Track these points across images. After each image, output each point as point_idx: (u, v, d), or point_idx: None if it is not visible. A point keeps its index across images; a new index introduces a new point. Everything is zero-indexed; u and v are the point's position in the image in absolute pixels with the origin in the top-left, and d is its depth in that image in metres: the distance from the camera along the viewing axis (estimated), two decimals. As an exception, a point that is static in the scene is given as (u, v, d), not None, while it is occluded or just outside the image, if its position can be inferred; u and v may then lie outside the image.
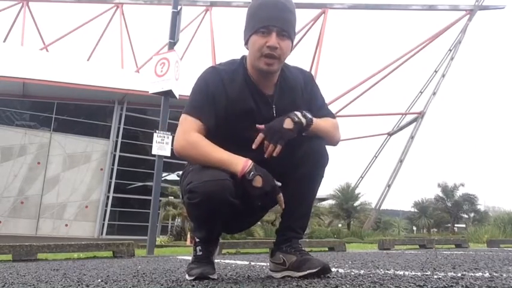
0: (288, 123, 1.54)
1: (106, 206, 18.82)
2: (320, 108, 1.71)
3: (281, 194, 1.53)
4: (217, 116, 1.58)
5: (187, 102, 1.64)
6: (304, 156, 1.59)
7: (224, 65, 1.69)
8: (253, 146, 1.53)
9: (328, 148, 1.68)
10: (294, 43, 1.72)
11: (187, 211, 1.63)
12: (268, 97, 1.64)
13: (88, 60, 25.53)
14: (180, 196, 1.77)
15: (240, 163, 1.48)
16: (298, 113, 1.57)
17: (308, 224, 1.78)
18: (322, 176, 1.67)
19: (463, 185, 36.52)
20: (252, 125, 1.58)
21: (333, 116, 1.74)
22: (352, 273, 1.79)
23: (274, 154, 1.52)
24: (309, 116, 1.58)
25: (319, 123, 1.62)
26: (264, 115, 1.61)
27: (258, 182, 1.46)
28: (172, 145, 6.51)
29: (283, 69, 1.68)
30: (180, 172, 1.63)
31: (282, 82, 1.68)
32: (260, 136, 1.54)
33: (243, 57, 1.69)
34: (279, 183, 1.52)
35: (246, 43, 1.63)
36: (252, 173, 1.46)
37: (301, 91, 1.70)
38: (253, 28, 1.58)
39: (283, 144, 1.52)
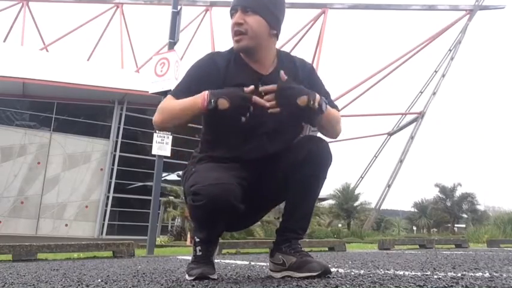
0: (302, 101, 1.46)
1: (106, 206, 18.81)
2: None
3: (256, 98, 1.45)
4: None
5: (176, 86, 1.67)
6: (307, 157, 1.58)
7: (219, 52, 1.72)
8: (254, 89, 1.47)
9: (330, 147, 1.67)
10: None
11: (190, 212, 1.63)
12: (261, 76, 1.62)
13: (88, 60, 25.52)
14: (183, 197, 1.77)
15: (199, 99, 1.46)
16: (318, 98, 1.48)
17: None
18: (325, 177, 1.66)
19: (460, 184, 36.56)
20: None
21: (337, 108, 1.70)
22: (352, 273, 1.79)
23: (270, 111, 1.46)
24: (324, 106, 1.51)
25: (327, 114, 1.56)
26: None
27: (223, 104, 1.43)
28: (172, 145, 6.51)
29: (282, 54, 1.70)
30: (181, 172, 1.63)
31: (280, 64, 1.67)
32: (272, 87, 1.47)
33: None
34: (248, 88, 1.46)
35: None
36: (213, 100, 1.43)
37: (301, 78, 1.67)
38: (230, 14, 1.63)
39: (283, 113, 1.48)
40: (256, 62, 1.64)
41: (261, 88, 1.47)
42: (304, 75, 1.69)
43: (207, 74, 1.60)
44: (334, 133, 1.66)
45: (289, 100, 1.46)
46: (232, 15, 1.61)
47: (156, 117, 1.57)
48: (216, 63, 1.63)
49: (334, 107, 1.68)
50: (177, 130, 1.58)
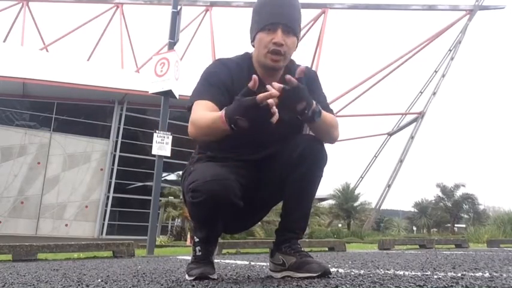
0: (301, 106, 1.43)
1: (106, 206, 18.81)
2: (322, 106, 1.69)
3: (260, 95, 1.33)
4: (228, 97, 1.54)
5: (193, 93, 1.63)
6: (303, 156, 1.58)
7: (229, 59, 1.70)
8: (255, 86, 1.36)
9: (328, 147, 1.67)
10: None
11: (189, 210, 1.63)
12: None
13: (88, 60, 25.52)
14: (181, 196, 1.77)
15: (220, 122, 1.38)
16: (314, 107, 1.46)
17: (308, 224, 1.78)
18: (321, 176, 1.66)
19: (464, 185, 36.50)
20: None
21: (332, 112, 1.72)
22: (352, 273, 1.79)
23: (275, 118, 1.34)
24: (317, 116, 1.49)
25: (322, 121, 1.55)
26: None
27: (242, 124, 1.35)
28: (172, 145, 6.51)
29: (288, 66, 1.69)
30: (181, 172, 1.63)
31: (287, 72, 1.65)
32: (278, 86, 1.36)
33: (247, 54, 1.71)
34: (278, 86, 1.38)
35: (253, 41, 1.64)
36: (232, 125, 1.36)
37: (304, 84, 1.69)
38: (259, 25, 1.59)
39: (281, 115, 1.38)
40: (270, 77, 1.64)
41: (268, 86, 1.39)
42: (307, 83, 1.67)
43: (221, 80, 1.60)
44: (330, 139, 1.65)
45: (290, 103, 1.43)
46: (269, 29, 1.56)
47: (190, 130, 1.54)
48: (230, 71, 1.63)
49: (330, 112, 1.67)
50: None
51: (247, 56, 1.70)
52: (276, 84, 1.38)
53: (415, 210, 39.40)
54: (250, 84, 1.37)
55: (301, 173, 1.59)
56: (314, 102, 1.47)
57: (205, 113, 1.49)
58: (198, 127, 1.50)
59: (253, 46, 1.65)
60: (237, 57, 1.72)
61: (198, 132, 1.51)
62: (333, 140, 1.67)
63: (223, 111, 1.39)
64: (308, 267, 1.54)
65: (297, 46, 1.65)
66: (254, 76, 1.37)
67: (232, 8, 24.11)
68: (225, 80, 1.61)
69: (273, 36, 1.55)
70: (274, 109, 1.32)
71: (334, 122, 1.65)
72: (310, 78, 1.71)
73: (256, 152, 1.64)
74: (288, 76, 1.40)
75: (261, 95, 1.31)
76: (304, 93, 1.44)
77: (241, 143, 1.62)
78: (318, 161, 1.62)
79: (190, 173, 1.61)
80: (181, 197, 1.76)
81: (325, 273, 1.53)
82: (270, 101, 1.31)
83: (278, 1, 1.58)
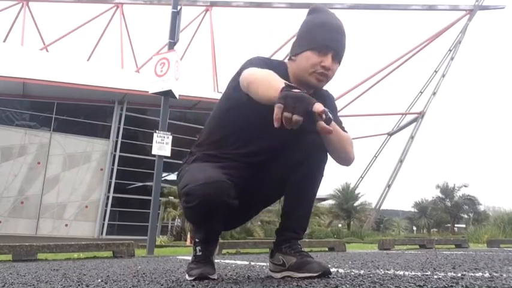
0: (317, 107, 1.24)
1: (106, 206, 18.81)
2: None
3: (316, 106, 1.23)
4: None
5: (245, 66, 1.57)
6: (304, 156, 1.58)
7: (271, 60, 1.70)
8: (276, 124, 1.22)
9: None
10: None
11: (185, 214, 1.63)
12: None
13: (88, 60, 25.53)
14: (178, 196, 1.77)
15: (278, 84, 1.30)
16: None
17: (308, 224, 1.78)
18: (322, 175, 1.66)
19: (466, 185, 36.47)
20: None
21: (347, 133, 1.69)
22: (352, 273, 1.79)
23: (293, 125, 1.21)
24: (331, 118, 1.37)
25: (338, 135, 1.54)
26: None
27: (295, 92, 1.24)
28: (172, 145, 6.51)
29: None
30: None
31: (314, 95, 1.66)
32: (278, 107, 1.21)
33: (284, 63, 1.69)
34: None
35: (295, 55, 1.62)
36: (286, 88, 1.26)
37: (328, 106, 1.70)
38: (312, 44, 1.57)
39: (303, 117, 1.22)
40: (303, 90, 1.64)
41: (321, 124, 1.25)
42: (329, 104, 1.68)
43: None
44: (346, 157, 1.61)
45: (301, 100, 1.26)
46: (321, 51, 1.55)
47: (245, 84, 1.48)
48: (270, 67, 1.57)
49: (347, 132, 1.67)
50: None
51: (283, 65, 1.69)
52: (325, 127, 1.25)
53: (415, 210, 39.42)
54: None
55: (302, 173, 1.59)
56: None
57: (268, 72, 1.43)
58: (255, 78, 1.43)
59: (291, 59, 1.63)
60: (276, 60, 1.71)
61: (251, 84, 1.44)
62: (349, 159, 1.62)
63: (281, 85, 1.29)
64: (308, 267, 1.54)
65: None
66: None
67: (232, 8, 24.12)
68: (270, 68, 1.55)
69: (323, 59, 1.56)
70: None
71: (349, 140, 1.62)
72: (330, 101, 1.75)
73: (257, 153, 1.64)
74: (327, 128, 1.24)
75: (320, 110, 1.21)
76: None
77: (245, 143, 1.62)
78: (319, 160, 1.62)
79: (184, 174, 1.62)
80: (179, 198, 1.76)
81: (325, 273, 1.53)
82: (320, 110, 1.22)
83: (335, 27, 1.60)
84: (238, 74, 1.58)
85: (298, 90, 1.25)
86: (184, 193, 1.49)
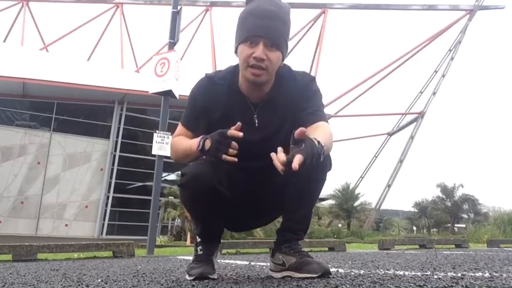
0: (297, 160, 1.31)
1: (106, 206, 18.82)
2: (314, 112, 1.58)
3: (231, 131, 1.42)
4: (209, 123, 1.62)
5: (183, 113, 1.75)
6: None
7: (218, 73, 1.68)
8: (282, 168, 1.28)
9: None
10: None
11: (180, 197, 1.71)
12: (253, 106, 1.62)
13: (88, 60, 25.52)
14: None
15: (195, 142, 1.51)
16: (317, 145, 1.32)
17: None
18: (324, 180, 1.64)
19: (462, 185, 36.56)
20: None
21: (326, 120, 1.60)
22: (352, 273, 1.79)
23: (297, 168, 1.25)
24: (321, 147, 1.35)
25: (327, 147, 1.43)
26: (250, 124, 1.58)
27: (207, 144, 1.46)
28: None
29: (283, 74, 1.62)
30: (180, 172, 1.65)
31: (274, 92, 1.62)
32: (299, 158, 1.24)
33: (237, 66, 1.63)
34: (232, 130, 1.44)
35: (236, 51, 1.58)
36: (201, 142, 1.48)
37: (297, 99, 1.60)
38: (241, 37, 1.53)
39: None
40: (255, 90, 1.60)
41: (273, 155, 1.31)
42: (300, 94, 1.61)
43: (201, 108, 1.64)
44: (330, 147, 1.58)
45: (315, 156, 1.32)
46: (250, 42, 1.50)
47: (170, 153, 1.75)
48: (214, 91, 1.62)
49: (324, 119, 1.59)
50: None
51: (235, 70, 1.63)
52: (281, 157, 1.27)
53: (415, 210, 39.43)
54: (232, 131, 1.43)
55: (303, 176, 1.52)
56: (315, 145, 1.32)
57: (182, 140, 1.63)
58: (174, 151, 1.68)
59: (237, 56, 1.58)
60: (228, 69, 1.67)
61: (174, 156, 1.69)
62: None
63: (203, 135, 1.51)
64: (308, 268, 1.53)
65: (283, 59, 1.58)
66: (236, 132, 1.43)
67: (232, 8, 24.10)
68: (204, 105, 1.64)
69: (254, 50, 1.48)
70: (234, 159, 1.43)
71: (329, 139, 1.48)
72: (304, 88, 1.62)
73: (256, 160, 1.58)
74: (294, 165, 1.24)
75: (230, 132, 1.43)
76: (307, 162, 1.28)
77: (243, 150, 1.58)
78: (321, 165, 1.54)
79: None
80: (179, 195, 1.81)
81: (325, 274, 1.53)
82: (235, 132, 1.43)
83: (262, 12, 1.50)
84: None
85: (201, 145, 1.48)
86: (180, 174, 1.61)
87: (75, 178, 18.58)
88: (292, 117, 1.59)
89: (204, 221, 1.68)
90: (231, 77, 1.64)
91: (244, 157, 1.49)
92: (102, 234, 18.29)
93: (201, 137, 1.52)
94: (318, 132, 1.44)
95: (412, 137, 25.86)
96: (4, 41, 24.51)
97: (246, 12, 1.55)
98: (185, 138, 1.63)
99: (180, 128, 1.71)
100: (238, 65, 1.62)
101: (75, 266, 3.10)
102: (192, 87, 1.70)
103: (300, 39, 23.58)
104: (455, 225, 37.67)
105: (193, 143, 1.53)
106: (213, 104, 1.62)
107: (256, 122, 1.61)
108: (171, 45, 6.75)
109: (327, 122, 1.61)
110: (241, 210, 1.71)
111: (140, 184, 20.04)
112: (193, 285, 1.49)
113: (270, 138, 1.57)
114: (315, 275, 1.51)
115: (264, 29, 1.48)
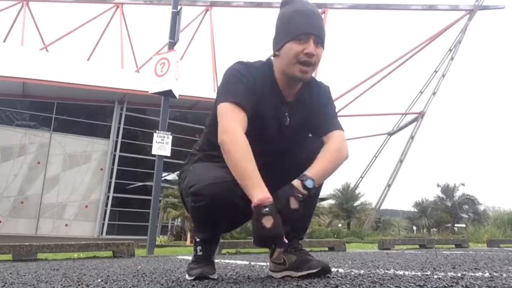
0: (293, 204, 1.46)
1: (106, 205, 18.81)
2: (329, 120, 1.67)
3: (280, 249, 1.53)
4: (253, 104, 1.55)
5: (221, 90, 1.59)
6: (308, 158, 1.57)
7: (252, 63, 1.67)
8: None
9: None
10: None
11: (190, 214, 1.61)
12: (287, 104, 1.65)
13: (88, 60, 25.52)
14: (180, 197, 1.76)
15: (260, 194, 1.39)
16: (299, 187, 1.48)
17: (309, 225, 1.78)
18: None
19: (463, 184, 36.53)
20: (266, 125, 1.61)
21: (341, 128, 1.67)
22: (352, 273, 1.79)
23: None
24: (310, 183, 1.49)
25: (321, 175, 1.54)
26: (280, 120, 1.63)
27: (268, 222, 1.37)
28: (172, 145, 6.51)
29: (309, 81, 1.67)
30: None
31: (303, 93, 1.68)
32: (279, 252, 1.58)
33: (269, 61, 1.68)
34: (286, 240, 1.44)
35: (278, 50, 1.59)
36: (267, 209, 1.37)
37: (314, 104, 1.69)
38: (290, 35, 1.55)
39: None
40: (289, 88, 1.64)
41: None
42: (321, 97, 1.71)
43: (249, 83, 1.57)
44: (340, 161, 1.62)
45: (289, 216, 1.47)
46: (300, 39, 1.53)
47: (221, 139, 1.48)
48: (253, 76, 1.59)
49: (338, 127, 1.66)
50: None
51: (268, 64, 1.67)
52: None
53: (415, 210, 39.39)
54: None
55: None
56: (299, 192, 1.47)
57: (244, 158, 1.44)
58: (231, 154, 1.46)
59: (276, 55, 1.61)
60: (259, 62, 1.69)
61: (226, 154, 1.47)
62: (342, 160, 1.63)
63: (270, 198, 1.40)
64: (308, 265, 1.54)
65: None
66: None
67: (232, 8, 24.10)
68: (250, 80, 1.58)
69: (305, 47, 1.53)
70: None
71: (332, 160, 1.58)
72: (320, 95, 1.71)
73: (258, 156, 1.57)
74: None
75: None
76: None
77: (268, 146, 1.62)
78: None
79: (188, 174, 1.61)
80: (180, 197, 1.75)
81: (324, 269, 1.53)
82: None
83: (309, 12, 1.59)
84: (216, 100, 1.59)
85: (266, 209, 1.36)
86: (192, 193, 1.49)
87: (75, 178, 18.57)
88: (312, 119, 1.67)
89: (213, 230, 1.67)
90: (269, 68, 1.65)
91: (267, 153, 1.56)
92: (102, 234, 18.28)
93: (268, 199, 1.38)
94: (321, 158, 1.56)
95: (412, 137, 25.85)
96: (4, 41, 24.52)
97: (292, 12, 1.60)
98: (247, 146, 1.46)
99: (227, 109, 1.51)
100: (269, 60, 1.67)
101: (75, 265, 3.10)
102: (228, 69, 1.62)
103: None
104: (455, 225, 37.64)
105: (254, 191, 1.39)
106: (256, 84, 1.59)
107: (288, 120, 1.64)
108: (171, 45, 6.75)
109: (342, 129, 1.68)
110: (242, 210, 1.70)
111: (140, 184, 20.03)
112: (193, 285, 1.49)
113: (294, 137, 1.65)
114: (314, 271, 1.51)
115: (314, 27, 1.56)
